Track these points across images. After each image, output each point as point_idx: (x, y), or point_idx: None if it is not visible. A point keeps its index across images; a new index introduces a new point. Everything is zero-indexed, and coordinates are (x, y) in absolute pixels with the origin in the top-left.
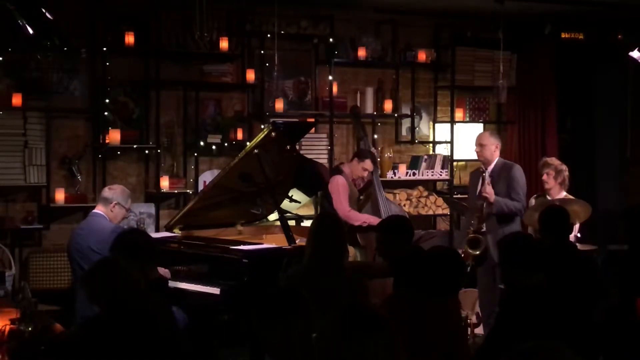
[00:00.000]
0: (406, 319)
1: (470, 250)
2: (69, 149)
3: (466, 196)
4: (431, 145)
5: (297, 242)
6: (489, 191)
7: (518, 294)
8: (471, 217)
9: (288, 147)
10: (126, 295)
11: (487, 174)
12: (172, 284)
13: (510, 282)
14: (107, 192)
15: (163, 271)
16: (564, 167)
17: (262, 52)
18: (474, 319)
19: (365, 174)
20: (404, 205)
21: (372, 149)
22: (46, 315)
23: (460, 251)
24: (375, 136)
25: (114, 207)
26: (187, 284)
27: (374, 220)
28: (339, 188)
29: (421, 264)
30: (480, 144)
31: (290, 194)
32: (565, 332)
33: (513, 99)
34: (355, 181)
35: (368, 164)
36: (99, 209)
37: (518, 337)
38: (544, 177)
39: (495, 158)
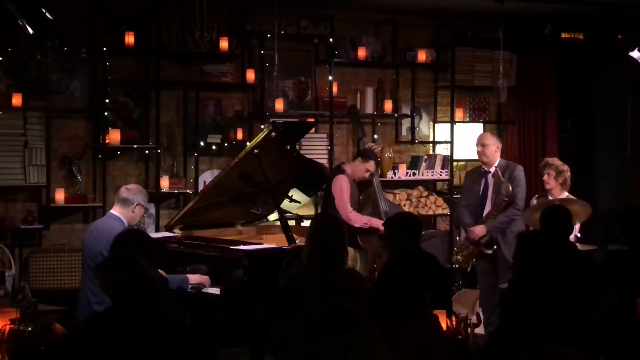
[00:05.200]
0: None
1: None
2: (69, 149)
3: None
4: (431, 145)
5: (297, 242)
6: (478, 232)
7: (526, 294)
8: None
9: (288, 147)
10: (141, 290)
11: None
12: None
13: (525, 282)
14: (125, 192)
15: (202, 278)
16: (566, 167)
17: (262, 52)
18: (474, 319)
19: (367, 175)
20: (404, 205)
21: (374, 145)
22: (46, 315)
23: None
24: (375, 136)
25: (135, 208)
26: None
27: (375, 222)
28: (342, 188)
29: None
30: (482, 144)
31: (290, 194)
32: (565, 332)
33: (513, 99)
34: (355, 180)
35: (372, 165)
36: (117, 210)
37: (520, 337)
38: (545, 177)
39: (497, 159)
